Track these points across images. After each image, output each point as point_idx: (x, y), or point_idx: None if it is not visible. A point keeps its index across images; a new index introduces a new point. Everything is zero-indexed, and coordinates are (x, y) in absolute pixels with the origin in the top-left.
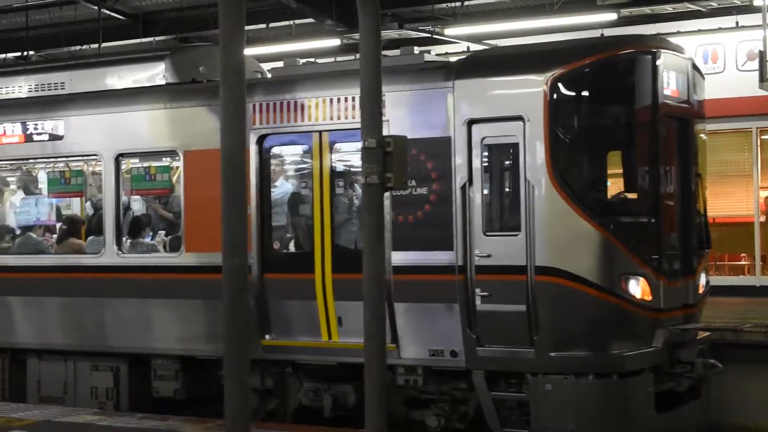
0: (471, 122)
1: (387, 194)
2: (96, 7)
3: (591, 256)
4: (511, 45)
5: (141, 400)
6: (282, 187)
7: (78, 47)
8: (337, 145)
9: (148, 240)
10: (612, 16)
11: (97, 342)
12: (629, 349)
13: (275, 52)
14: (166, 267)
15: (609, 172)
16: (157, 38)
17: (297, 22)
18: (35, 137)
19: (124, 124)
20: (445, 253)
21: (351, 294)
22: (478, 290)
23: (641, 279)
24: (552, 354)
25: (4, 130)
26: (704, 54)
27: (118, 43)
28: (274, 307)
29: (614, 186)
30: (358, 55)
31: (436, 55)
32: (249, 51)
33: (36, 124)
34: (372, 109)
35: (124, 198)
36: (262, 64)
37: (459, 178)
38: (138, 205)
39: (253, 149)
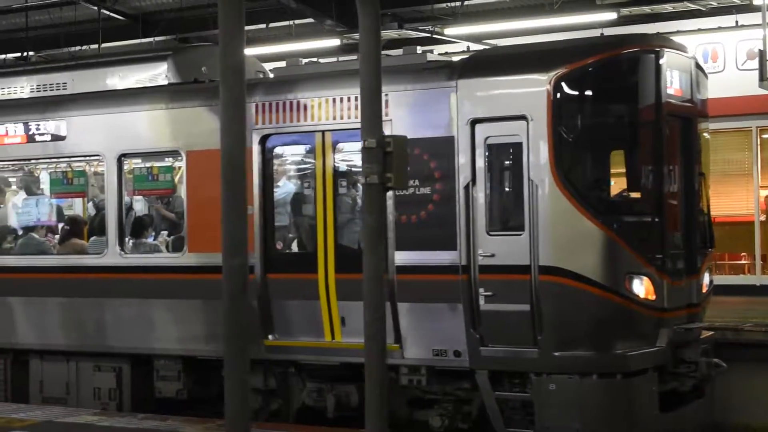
0: (474, 122)
1: (390, 194)
2: (96, 8)
3: (595, 256)
4: (514, 44)
5: (144, 400)
6: (285, 187)
7: (78, 48)
8: (340, 145)
9: (150, 240)
10: (612, 16)
11: (99, 342)
12: (633, 348)
13: (275, 52)
14: (169, 267)
15: (612, 171)
16: (157, 38)
17: (297, 22)
18: (37, 137)
19: (126, 125)
20: (449, 253)
21: (354, 294)
22: (481, 290)
23: (645, 278)
24: (556, 354)
25: (6, 131)
26: (704, 53)
27: (118, 44)
28: (277, 307)
29: (617, 185)
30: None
31: (438, 54)
32: (250, 51)
33: (38, 125)
34: (372, 109)
35: (126, 198)
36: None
37: (462, 177)
38: (140, 206)
39: (255, 149)
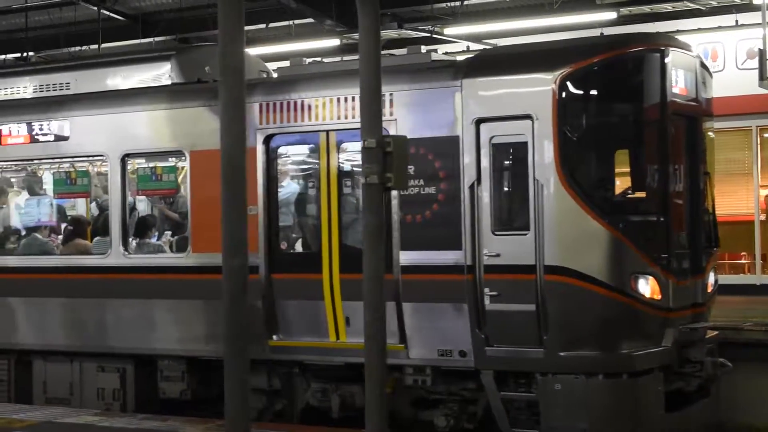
0: (479, 121)
1: (395, 194)
2: (95, 8)
3: (600, 255)
4: (519, 44)
5: (147, 401)
6: (289, 187)
7: (78, 48)
8: (344, 145)
9: (154, 240)
10: (611, 15)
11: (103, 343)
12: (639, 348)
13: (275, 52)
14: (172, 268)
15: (617, 170)
16: (157, 39)
17: (296, 22)
18: (41, 138)
19: (129, 125)
20: (454, 253)
21: (359, 294)
22: (486, 290)
23: (650, 278)
24: (561, 353)
25: (10, 131)
26: (704, 52)
27: (117, 44)
28: (282, 307)
29: (621, 184)
30: None
31: (443, 54)
32: (253, 51)
33: (41, 125)
34: (372, 109)
35: (130, 198)
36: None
37: (467, 177)
38: (144, 206)
39: (259, 149)
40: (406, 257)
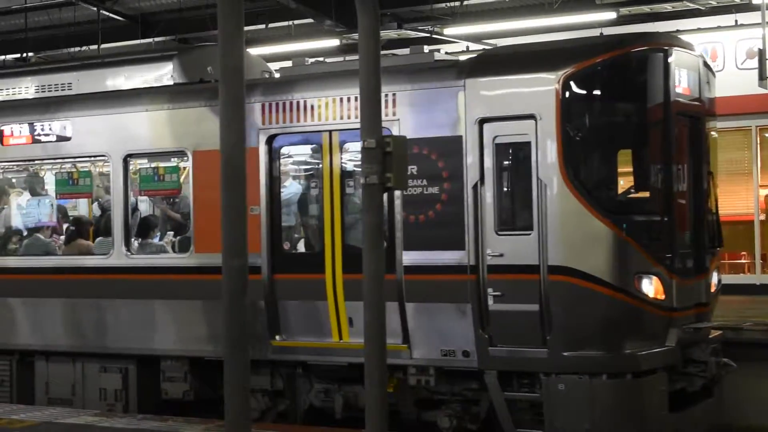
0: (482, 121)
1: (398, 194)
2: (95, 9)
3: (604, 255)
4: (522, 43)
5: (150, 401)
6: (291, 187)
7: (77, 48)
8: (347, 145)
9: (156, 241)
10: (611, 15)
11: (105, 343)
12: (643, 348)
13: (275, 52)
14: (175, 268)
15: (620, 170)
16: (156, 39)
17: (296, 22)
18: (43, 138)
19: (132, 125)
20: (457, 253)
21: (361, 294)
22: (490, 290)
23: (654, 278)
24: (565, 354)
25: (12, 131)
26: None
27: (117, 45)
28: (285, 307)
29: (625, 184)
30: None
31: (446, 53)
32: (253, 51)
33: (43, 125)
34: (372, 109)
35: (132, 199)
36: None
37: (470, 177)
38: (146, 206)
39: (262, 149)
40: (409, 257)
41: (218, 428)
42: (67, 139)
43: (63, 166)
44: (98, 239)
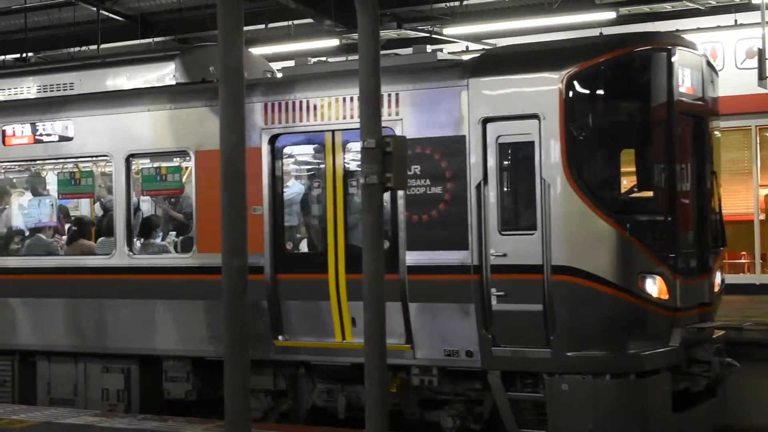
0: (485, 121)
1: (401, 193)
2: (95, 9)
3: (608, 255)
4: (525, 43)
5: (152, 402)
6: (294, 187)
7: (77, 48)
8: (350, 145)
9: (158, 241)
10: (611, 15)
11: (107, 344)
12: (646, 348)
13: (274, 52)
14: (178, 268)
15: (623, 170)
16: (156, 39)
17: (296, 22)
18: (45, 138)
19: (134, 125)
20: (460, 253)
21: None
22: (493, 290)
23: (658, 278)
24: (569, 354)
25: (14, 131)
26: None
27: (117, 45)
28: (287, 307)
29: (629, 184)
30: None
31: (448, 53)
32: (255, 51)
33: (45, 125)
34: (371, 109)
35: (134, 199)
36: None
37: (474, 177)
38: (148, 206)
39: (265, 149)
40: (412, 257)
41: (218, 428)
42: (69, 139)
43: (65, 166)
44: (100, 239)
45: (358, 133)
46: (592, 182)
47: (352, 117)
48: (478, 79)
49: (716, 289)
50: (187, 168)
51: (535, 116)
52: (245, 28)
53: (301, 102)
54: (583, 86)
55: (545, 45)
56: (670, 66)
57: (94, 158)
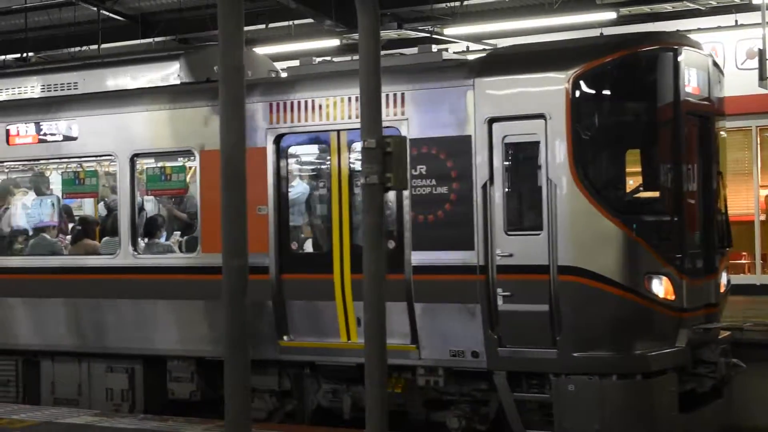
0: (491, 120)
1: (406, 193)
2: (95, 9)
3: (614, 255)
4: (531, 42)
5: (156, 402)
6: (299, 187)
7: (77, 48)
8: (355, 144)
9: (163, 241)
10: (611, 15)
11: (111, 344)
12: (653, 349)
13: (274, 52)
14: (182, 268)
15: (629, 170)
16: (157, 39)
17: (296, 22)
18: (49, 138)
19: (138, 124)
20: (466, 253)
21: None
22: (499, 290)
23: (664, 278)
24: (575, 354)
25: (18, 131)
26: None
27: (117, 45)
28: (292, 307)
29: (635, 184)
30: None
31: (454, 53)
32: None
33: (49, 125)
34: (372, 109)
35: (138, 198)
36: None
37: (480, 177)
38: (152, 206)
39: (270, 149)
40: (417, 257)
41: (218, 428)
42: (74, 138)
43: (69, 166)
44: (105, 239)
45: None
46: (599, 182)
47: (357, 117)
48: (483, 78)
49: (722, 289)
50: (191, 168)
51: (541, 116)
52: (246, 28)
53: (306, 102)
54: (589, 86)
55: (551, 45)
56: (676, 66)
57: (99, 158)
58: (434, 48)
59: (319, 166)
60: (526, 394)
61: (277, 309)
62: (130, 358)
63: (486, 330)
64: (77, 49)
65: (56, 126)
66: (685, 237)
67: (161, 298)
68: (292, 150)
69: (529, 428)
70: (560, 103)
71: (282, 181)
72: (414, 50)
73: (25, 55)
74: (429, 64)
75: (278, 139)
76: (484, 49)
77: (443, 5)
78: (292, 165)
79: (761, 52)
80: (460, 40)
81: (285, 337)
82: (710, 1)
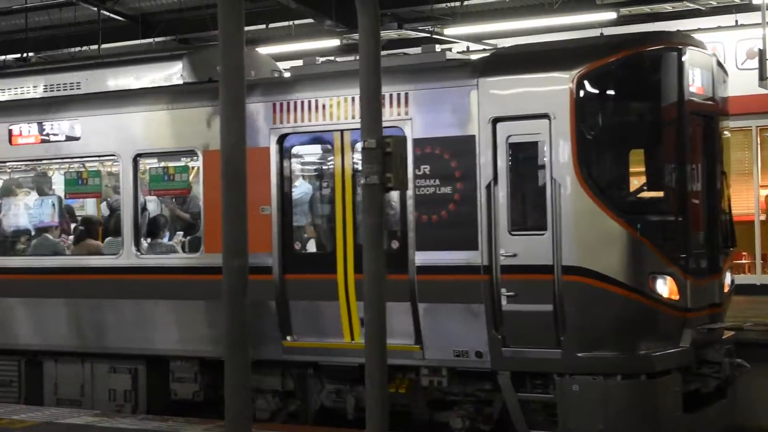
0: (496, 120)
1: (410, 193)
2: (95, 9)
3: (618, 255)
4: (535, 42)
5: (159, 402)
6: (303, 187)
7: (78, 49)
8: (359, 144)
9: (166, 241)
10: (611, 15)
11: (114, 344)
12: (657, 349)
13: (275, 52)
14: (185, 268)
15: (634, 169)
16: (157, 39)
17: (296, 22)
18: (51, 138)
19: (141, 124)
20: (470, 253)
21: None
22: (503, 290)
23: (669, 278)
24: (579, 354)
25: (20, 131)
26: None
27: (117, 45)
28: (296, 308)
29: (639, 184)
30: (382, 53)
31: (458, 53)
32: (267, 50)
33: (52, 125)
34: (372, 110)
35: (141, 199)
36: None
37: (484, 176)
38: (155, 206)
39: (273, 149)
40: (421, 257)
41: (218, 428)
42: (76, 138)
43: (72, 166)
44: (108, 239)
45: None
46: (603, 182)
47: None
48: (488, 78)
49: (726, 289)
50: (194, 168)
51: (545, 116)
52: (246, 29)
53: (309, 101)
54: (593, 86)
55: (555, 44)
56: (680, 66)
57: (101, 158)
58: (438, 48)
59: (322, 166)
60: (530, 395)
61: (281, 309)
62: (133, 359)
63: (490, 330)
64: (77, 49)
65: (59, 126)
66: (689, 237)
67: (164, 299)
68: (295, 150)
69: (533, 428)
70: (564, 103)
71: (285, 181)
72: (418, 50)
73: (25, 55)
74: (433, 64)
75: (281, 139)
76: (484, 50)
77: (443, 5)
78: (296, 165)
79: (761, 52)
80: (460, 40)
81: (288, 338)
82: (710, 1)
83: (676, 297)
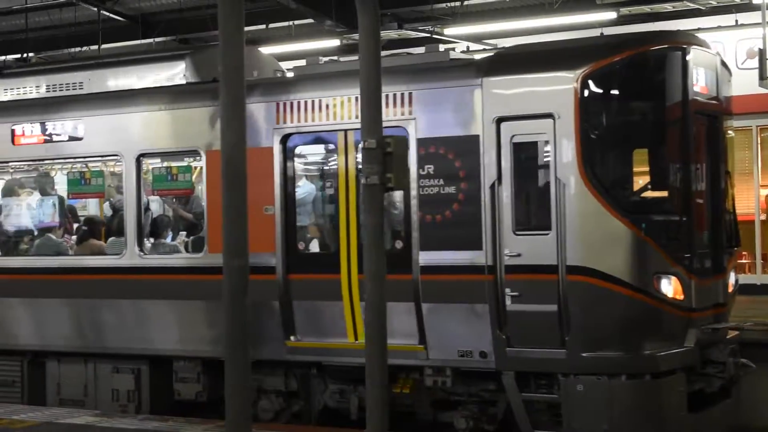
0: (500, 120)
1: (414, 193)
2: (96, 9)
3: (623, 255)
4: (539, 42)
5: (162, 402)
6: (306, 187)
7: (78, 49)
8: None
9: (169, 241)
10: (611, 15)
11: (117, 344)
12: (662, 349)
13: (275, 52)
14: (189, 268)
15: (638, 169)
16: (157, 39)
17: (296, 22)
18: (54, 138)
19: (144, 124)
20: (474, 253)
21: None
22: (507, 290)
23: (673, 278)
24: (584, 354)
25: (23, 131)
26: None
27: (118, 45)
28: (299, 308)
29: (643, 183)
30: (383, 53)
31: (461, 52)
32: (267, 50)
33: (55, 125)
34: (372, 110)
35: (144, 199)
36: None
37: (488, 176)
38: (158, 206)
39: (277, 149)
40: (425, 257)
41: (218, 428)
42: (79, 138)
43: (74, 166)
44: (110, 239)
45: None
46: (607, 182)
47: None
48: (491, 78)
49: (730, 289)
50: (197, 168)
51: (549, 115)
52: (246, 29)
53: (312, 101)
54: (598, 85)
55: (559, 44)
56: (684, 65)
57: (104, 158)
58: (441, 47)
59: (325, 166)
60: (535, 395)
61: (284, 309)
62: (136, 359)
63: (494, 330)
64: (77, 49)
65: (62, 126)
66: (693, 237)
67: (167, 299)
68: (298, 150)
69: (537, 428)
70: (569, 103)
71: (289, 181)
72: (421, 50)
73: (25, 55)
74: (436, 64)
75: (285, 139)
76: (484, 49)
77: (443, 5)
78: (299, 165)
79: (761, 52)
80: (460, 40)
81: (292, 338)
82: (710, 1)
83: (680, 297)
